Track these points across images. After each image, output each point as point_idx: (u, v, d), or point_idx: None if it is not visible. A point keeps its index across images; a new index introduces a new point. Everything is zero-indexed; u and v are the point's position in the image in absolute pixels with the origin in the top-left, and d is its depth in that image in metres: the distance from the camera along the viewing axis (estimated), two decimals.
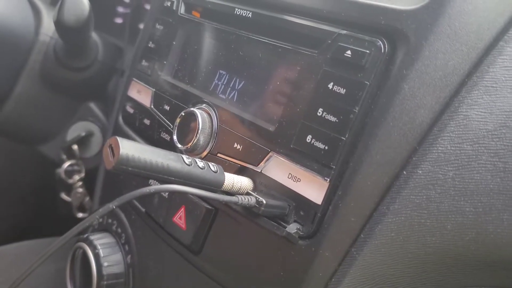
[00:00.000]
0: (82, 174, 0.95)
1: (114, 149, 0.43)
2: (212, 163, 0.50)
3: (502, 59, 0.46)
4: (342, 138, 0.47)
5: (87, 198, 0.96)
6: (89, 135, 0.94)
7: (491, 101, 0.46)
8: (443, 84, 0.45)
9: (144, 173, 0.44)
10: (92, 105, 0.96)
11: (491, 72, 0.46)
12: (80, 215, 0.96)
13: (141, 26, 1.06)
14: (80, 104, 0.96)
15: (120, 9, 1.13)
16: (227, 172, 0.51)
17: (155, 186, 0.46)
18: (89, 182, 0.95)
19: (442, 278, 0.50)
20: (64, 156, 0.95)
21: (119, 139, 0.43)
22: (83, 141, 0.94)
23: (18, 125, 0.93)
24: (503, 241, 0.47)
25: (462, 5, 0.45)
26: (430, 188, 0.46)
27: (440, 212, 0.47)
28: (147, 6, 1.07)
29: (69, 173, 0.95)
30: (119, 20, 1.13)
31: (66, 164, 0.94)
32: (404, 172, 0.46)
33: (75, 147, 0.93)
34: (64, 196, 0.97)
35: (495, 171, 0.46)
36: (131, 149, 0.43)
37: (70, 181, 0.95)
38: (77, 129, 0.95)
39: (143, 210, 0.66)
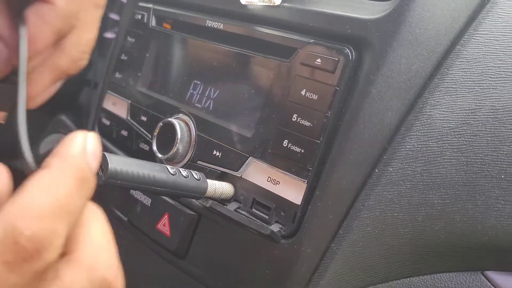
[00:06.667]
0: None
1: (103, 164, 0.45)
2: (195, 172, 0.52)
3: (460, 61, 0.49)
4: (317, 141, 0.50)
5: None
6: None
7: (452, 101, 0.49)
8: (407, 87, 0.49)
9: (132, 185, 0.46)
10: (64, 117, 0.96)
11: (450, 74, 0.49)
12: None
13: (107, 35, 1.06)
14: (51, 117, 0.96)
15: None
16: (208, 178, 0.54)
17: None
18: None
19: (417, 266, 0.54)
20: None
21: (107, 154, 0.44)
22: None
23: None
24: (469, 229, 0.50)
25: (421, 13, 0.48)
26: (401, 184, 0.50)
27: (411, 206, 0.50)
28: (112, 15, 1.07)
29: None
30: None
31: None
32: (376, 170, 0.49)
33: None
34: None
35: (458, 165, 0.50)
36: (119, 163, 0.45)
37: None
38: (49, 142, 0.95)
39: (126, 219, 0.68)
